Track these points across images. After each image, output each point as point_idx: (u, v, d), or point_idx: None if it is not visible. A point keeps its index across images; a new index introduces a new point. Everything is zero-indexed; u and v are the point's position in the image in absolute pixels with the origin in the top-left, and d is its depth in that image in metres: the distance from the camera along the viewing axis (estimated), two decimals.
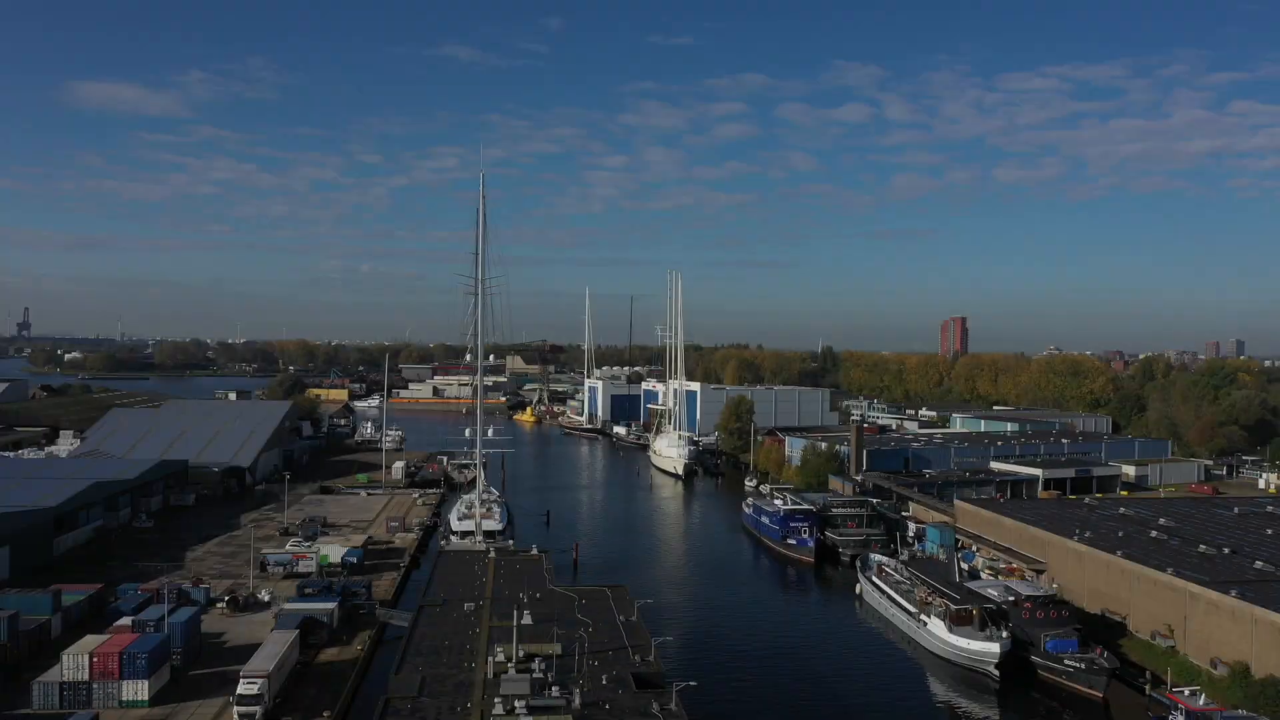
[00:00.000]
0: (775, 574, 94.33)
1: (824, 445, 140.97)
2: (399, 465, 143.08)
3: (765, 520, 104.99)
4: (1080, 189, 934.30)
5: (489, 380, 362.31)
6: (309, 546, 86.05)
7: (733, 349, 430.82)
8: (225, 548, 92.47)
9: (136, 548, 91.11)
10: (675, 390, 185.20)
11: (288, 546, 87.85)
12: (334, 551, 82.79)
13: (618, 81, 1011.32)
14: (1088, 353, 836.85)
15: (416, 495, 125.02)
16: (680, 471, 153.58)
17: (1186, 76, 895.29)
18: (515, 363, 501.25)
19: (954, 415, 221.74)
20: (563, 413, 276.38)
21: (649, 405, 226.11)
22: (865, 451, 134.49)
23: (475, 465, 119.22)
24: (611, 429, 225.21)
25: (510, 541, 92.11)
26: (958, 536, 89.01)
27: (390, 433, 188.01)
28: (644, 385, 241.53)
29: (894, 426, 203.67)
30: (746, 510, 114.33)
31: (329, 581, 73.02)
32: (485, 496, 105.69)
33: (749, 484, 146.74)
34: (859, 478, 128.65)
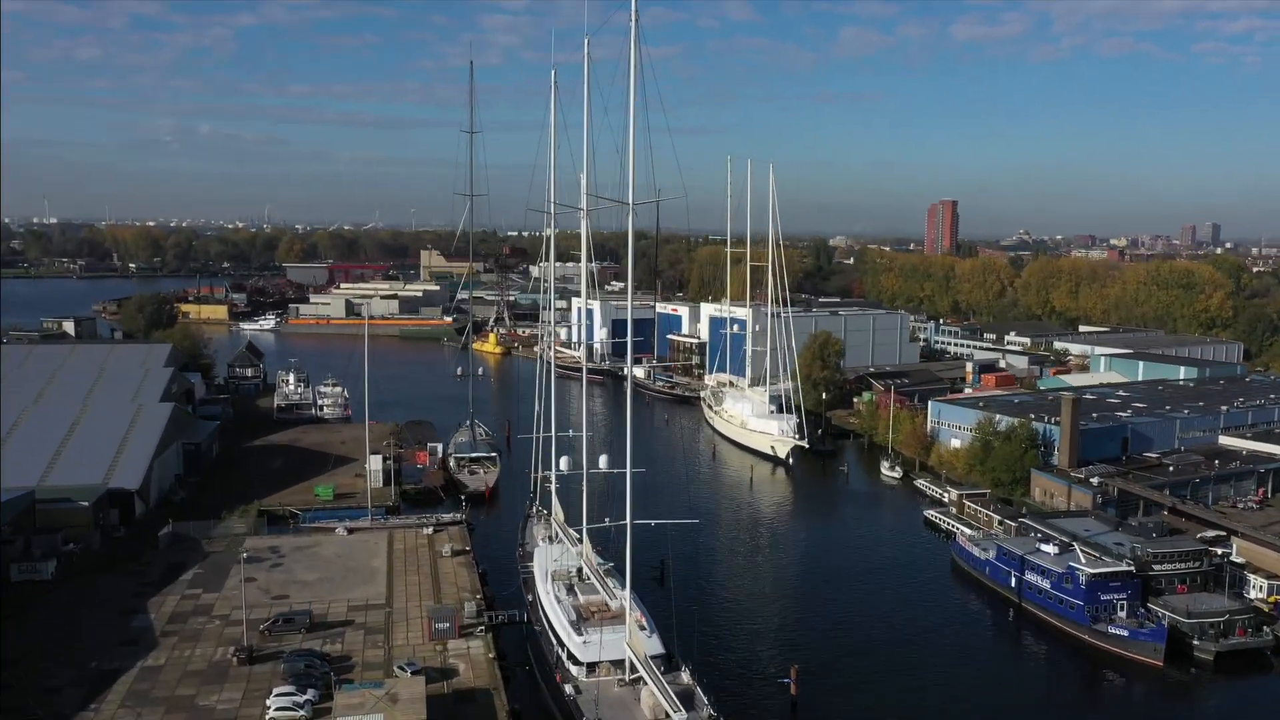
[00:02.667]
0: (1116, 698, 63.90)
1: (1006, 421, 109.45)
2: (376, 462, 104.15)
3: (1040, 582, 73.44)
4: (1044, 49, 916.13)
5: (416, 289, 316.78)
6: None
7: (712, 245, 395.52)
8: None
9: None
10: (747, 317, 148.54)
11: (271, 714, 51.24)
12: None
13: None
14: (1058, 236, 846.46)
15: (428, 530, 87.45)
16: (784, 453, 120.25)
17: None
18: (433, 258, 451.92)
19: (1037, 337, 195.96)
20: (531, 339, 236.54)
21: (669, 335, 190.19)
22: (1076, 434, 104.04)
23: (540, 499, 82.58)
24: (622, 369, 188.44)
25: (686, 674, 56.58)
26: None
27: (327, 388, 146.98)
28: (657, 307, 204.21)
29: (1000, 362, 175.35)
30: (973, 551, 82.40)
31: None
32: (578, 556, 69.17)
33: (886, 470, 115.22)
34: (1080, 475, 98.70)
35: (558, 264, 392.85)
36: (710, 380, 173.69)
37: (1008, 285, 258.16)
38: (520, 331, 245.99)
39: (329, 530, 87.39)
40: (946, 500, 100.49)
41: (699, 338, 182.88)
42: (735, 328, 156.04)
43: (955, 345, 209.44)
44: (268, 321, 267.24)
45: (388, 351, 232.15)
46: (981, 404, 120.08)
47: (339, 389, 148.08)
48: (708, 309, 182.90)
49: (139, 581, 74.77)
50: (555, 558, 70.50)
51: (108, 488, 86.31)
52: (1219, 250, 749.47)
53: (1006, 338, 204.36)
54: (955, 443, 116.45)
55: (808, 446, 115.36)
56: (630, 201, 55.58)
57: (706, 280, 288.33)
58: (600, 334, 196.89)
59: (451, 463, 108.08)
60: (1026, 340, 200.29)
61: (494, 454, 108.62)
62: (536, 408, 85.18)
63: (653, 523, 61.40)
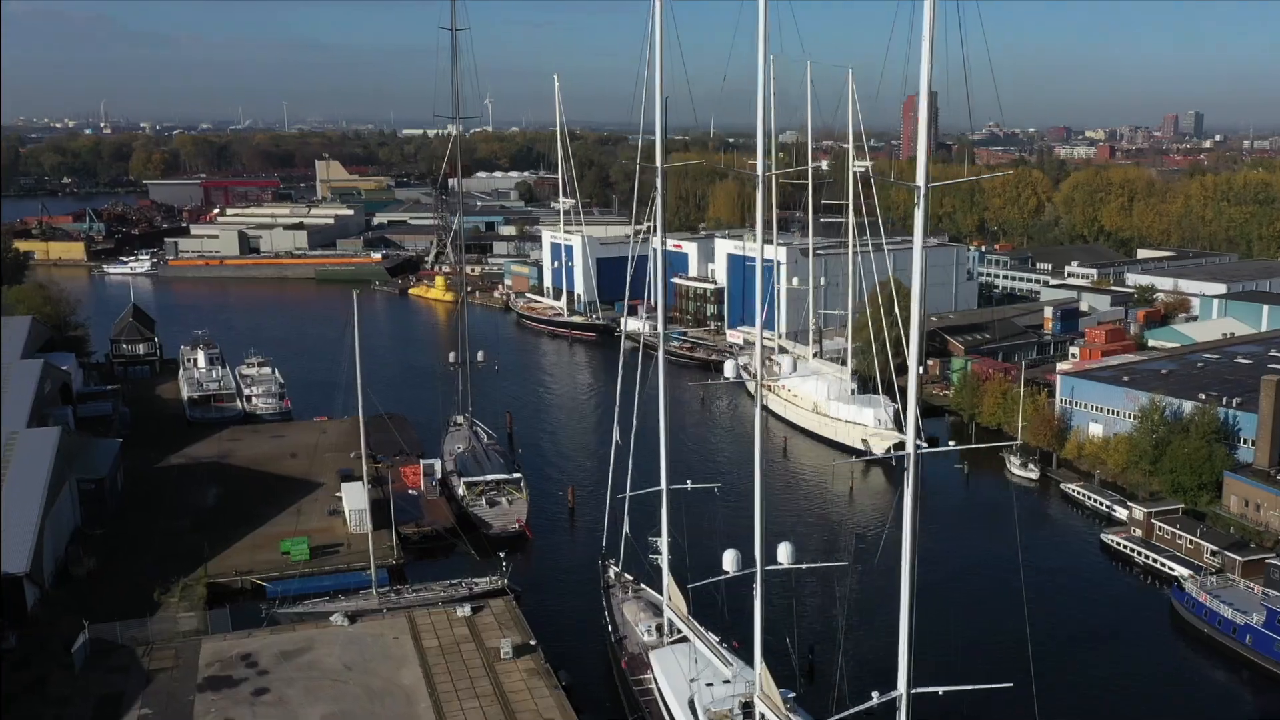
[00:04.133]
0: None
1: (1170, 404, 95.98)
2: (355, 496, 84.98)
3: None
4: None
5: (325, 214, 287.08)
6: None
7: (684, 154, 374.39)
8: None
9: None
10: (779, 255, 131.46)
11: None
12: None
13: None
14: (1030, 129, 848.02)
15: (464, 608, 69.28)
16: (881, 450, 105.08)
17: None
18: (331, 169, 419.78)
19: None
20: (487, 281, 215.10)
21: (674, 278, 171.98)
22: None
23: (612, 551, 65.07)
24: (617, 322, 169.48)
25: None
26: None
27: (253, 370, 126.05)
28: (655, 244, 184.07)
29: (1078, 303, 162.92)
30: (1219, 610, 68.59)
31: None
32: (748, 686, 52.59)
33: (1015, 468, 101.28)
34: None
35: (482, 174, 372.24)
36: (734, 336, 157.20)
37: (1045, 200, 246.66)
38: (469, 270, 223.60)
39: (322, 619, 68.62)
40: (1126, 519, 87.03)
41: (714, 281, 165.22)
42: (773, 271, 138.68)
43: (1006, 278, 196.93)
44: (141, 263, 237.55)
45: (303, 301, 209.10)
46: (1126, 378, 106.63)
47: (269, 369, 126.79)
48: (724, 245, 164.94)
49: None
50: (702, 680, 53.78)
51: None
52: (1207, 143, 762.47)
53: (1068, 268, 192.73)
54: (1096, 429, 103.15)
55: (925, 447, 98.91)
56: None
57: (686, 199, 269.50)
58: (579, 276, 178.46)
59: (460, 488, 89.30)
60: (1092, 272, 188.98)
61: (517, 475, 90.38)
62: (615, 413, 68.86)
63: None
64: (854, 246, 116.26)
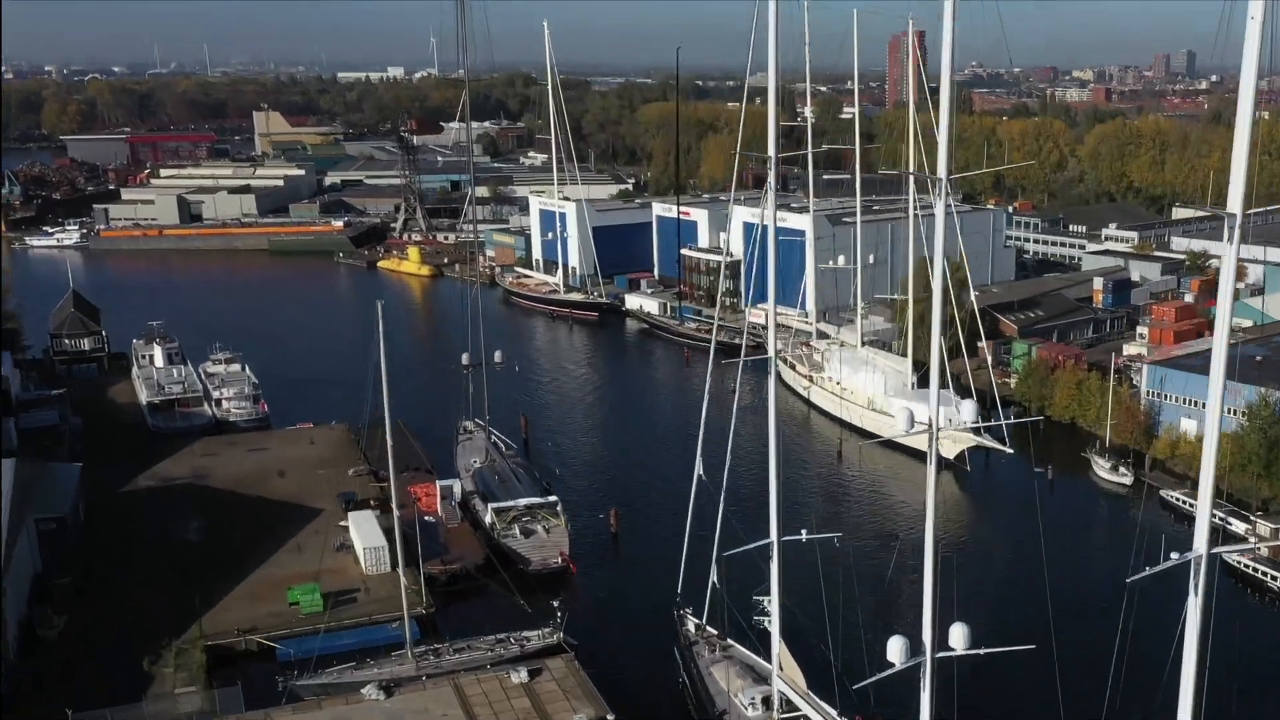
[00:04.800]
0: None
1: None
2: (368, 530, 77.60)
3: None
4: None
5: (273, 174, 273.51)
6: None
7: (658, 103, 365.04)
8: None
9: None
10: (806, 224, 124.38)
11: None
12: None
13: None
14: (1016, 69, 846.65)
15: (520, 672, 62.18)
16: (954, 453, 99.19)
17: None
18: (271, 121, 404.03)
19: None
20: (461, 252, 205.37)
21: (685, 250, 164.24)
22: None
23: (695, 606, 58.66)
24: (621, 299, 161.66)
25: None
26: None
27: (219, 366, 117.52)
28: (656, 209, 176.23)
29: (1127, 272, 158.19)
30: None
31: None
32: None
33: (1104, 472, 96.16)
34: None
35: (452, 128, 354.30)
36: (754, 315, 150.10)
37: (1066, 153, 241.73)
38: (441, 238, 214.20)
39: (352, 691, 61.35)
40: (1246, 533, 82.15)
41: (730, 253, 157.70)
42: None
43: (1037, 243, 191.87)
44: (69, 234, 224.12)
45: (260, 277, 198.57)
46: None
47: (238, 367, 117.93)
48: (741, 212, 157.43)
49: None
50: None
51: None
52: (1202, 84, 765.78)
53: (1104, 231, 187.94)
54: (1189, 425, 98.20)
55: (1009, 448, 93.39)
56: None
57: (671, 154, 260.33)
58: (573, 247, 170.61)
59: (488, 515, 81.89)
60: (1132, 235, 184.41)
61: (553, 499, 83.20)
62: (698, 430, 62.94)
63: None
64: (913, 208, 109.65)
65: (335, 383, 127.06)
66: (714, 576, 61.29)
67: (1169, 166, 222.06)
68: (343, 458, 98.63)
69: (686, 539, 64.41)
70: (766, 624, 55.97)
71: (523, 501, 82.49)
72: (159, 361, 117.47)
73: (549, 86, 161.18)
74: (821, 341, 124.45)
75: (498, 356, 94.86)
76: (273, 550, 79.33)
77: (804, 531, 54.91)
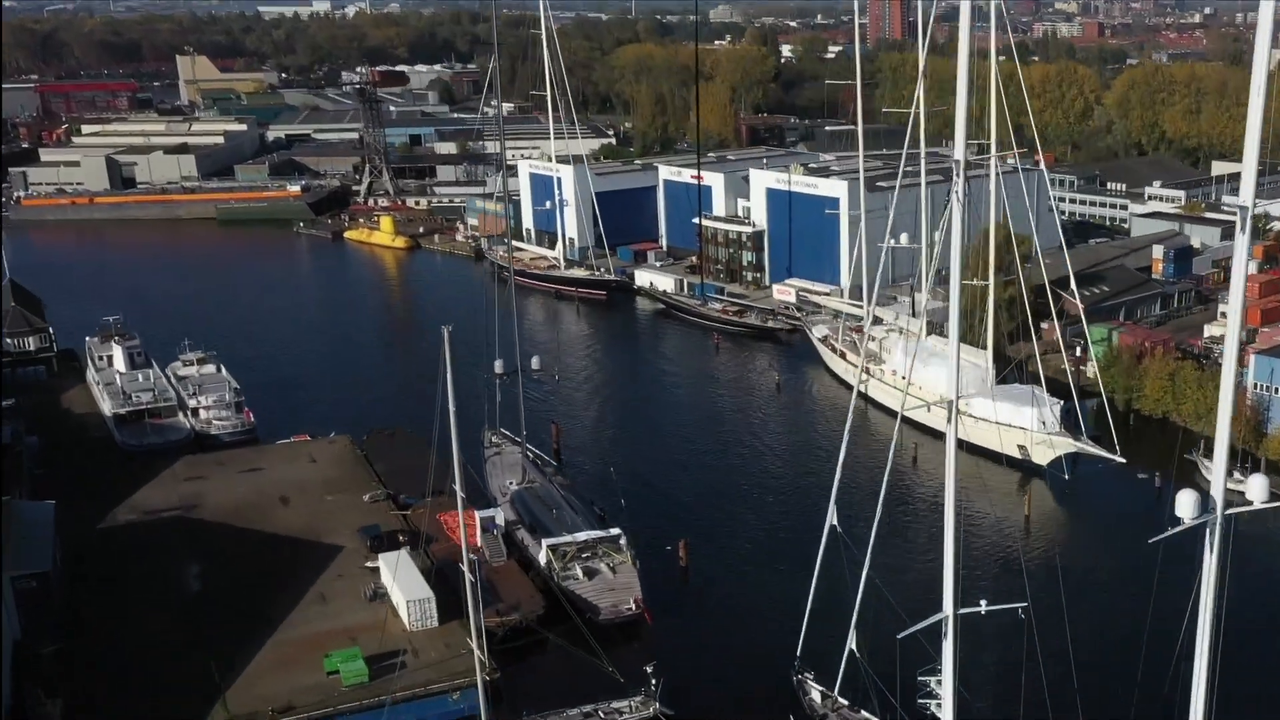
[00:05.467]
0: None
1: None
2: (408, 578, 70.98)
3: None
4: None
5: (211, 130, 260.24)
6: None
7: (630, 46, 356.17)
8: None
9: None
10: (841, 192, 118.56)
11: None
12: None
13: None
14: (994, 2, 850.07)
15: None
16: (1046, 460, 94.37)
17: None
18: (198, 67, 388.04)
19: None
20: (440, 218, 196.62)
21: (700, 220, 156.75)
22: None
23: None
24: (630, 275, 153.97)
25: None
26: None
27: (191, 369, 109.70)
28: (663, 172, 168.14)
29: (1185, 237, 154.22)
30: None
31: None
32: None
33: (1207, 471, 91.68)
34: None
35: (420, 71, 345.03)
36: (782, 292, 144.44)
37: (1092, 102, 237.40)
38: (412, 203, 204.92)
39: None
40: None
41: (752, 223, 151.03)
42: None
43: (1075, 203, 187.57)
44: None
45: (210, 252, 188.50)
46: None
47: (213, 368, 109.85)
48: (762, 176, 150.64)
49: None
50: None
51: None
52: (1198, 17, 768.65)
53: (1148, 190, 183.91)
54: None
55: (1120, 457, 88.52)
56: None
57: (661, 104, 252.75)
58: (571, 217, 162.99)
59: (540, 550, 75.28)
60: (1179, 194, 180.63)
61: (615, 531, 76.73)
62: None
63: None
64: (996, 170, 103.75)
65: (323, 383, 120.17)
66: (852, 643, 55.73)
67: (1204, 116, 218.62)
68: (350, 479, 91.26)
69: (811, 597, 58.70)
70: (934, 708, 50.50)
71: (581, 536, 75.87)
72: (120, 364, 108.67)
73: (542, 34, 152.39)
74: (878, 328, 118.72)
75: (535, 363, 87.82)
76: (292, 602, 72.25)
77: (983, 602, 49.28)
